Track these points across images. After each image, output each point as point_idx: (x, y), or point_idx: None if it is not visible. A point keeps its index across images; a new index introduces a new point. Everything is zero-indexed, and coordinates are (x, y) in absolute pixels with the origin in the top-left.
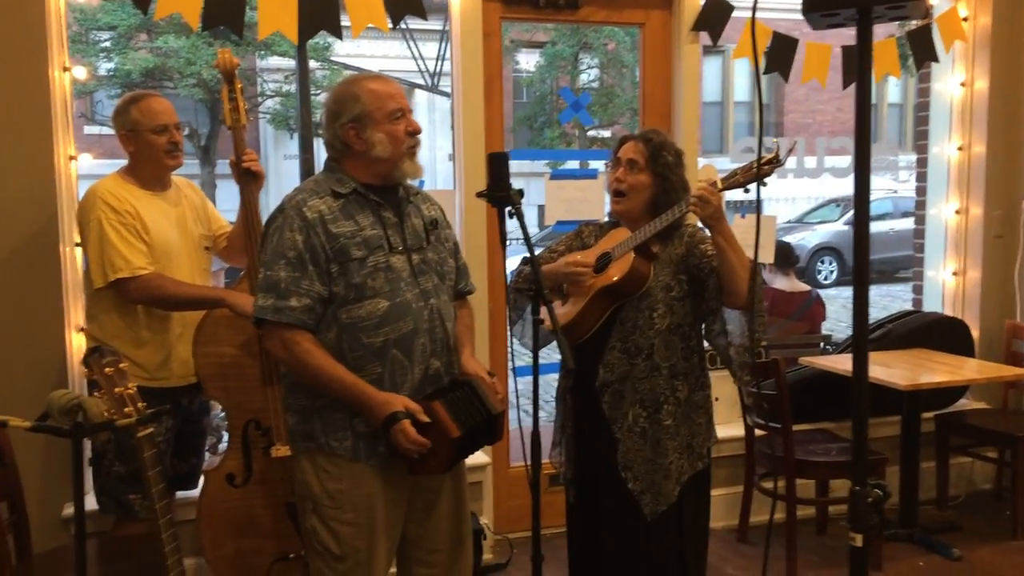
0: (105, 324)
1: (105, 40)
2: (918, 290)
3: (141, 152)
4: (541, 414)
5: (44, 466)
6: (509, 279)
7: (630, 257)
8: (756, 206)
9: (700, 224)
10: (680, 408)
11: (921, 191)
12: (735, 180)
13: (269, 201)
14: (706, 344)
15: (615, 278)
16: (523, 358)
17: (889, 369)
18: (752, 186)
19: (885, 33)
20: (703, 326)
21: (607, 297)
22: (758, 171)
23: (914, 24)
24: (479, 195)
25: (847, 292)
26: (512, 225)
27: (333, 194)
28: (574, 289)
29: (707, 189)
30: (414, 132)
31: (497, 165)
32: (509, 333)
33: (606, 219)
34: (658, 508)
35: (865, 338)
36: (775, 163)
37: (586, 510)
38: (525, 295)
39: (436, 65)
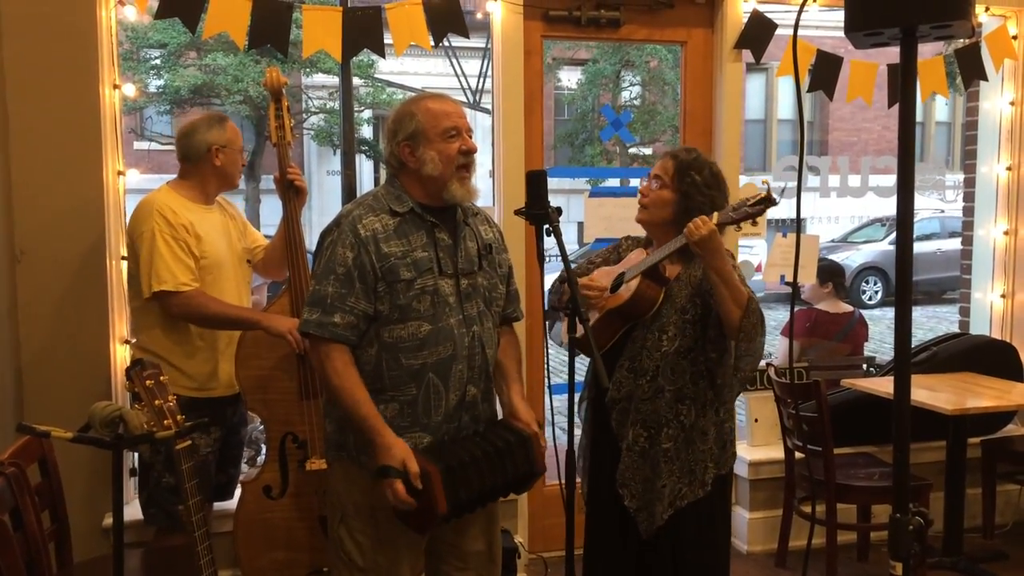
0: (156, 336)
1: (155, 58)
2: (965, 312)
3: (224, 168)
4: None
5: (89, 475)
6: (546, 295)
7: (637, 281)
8: (796, 227)
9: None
10: (683, 432)
11: (969, 211)
12: (728, 217)
13: (312, 216)
14: None
15: (621, 301)
16: (558, 376)
17: (934, 393)
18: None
19: (932, 51)
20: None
21: (617, 318)
22: (750, 210)
23: (962, 42)
24: (517, 213)
25: (892, 313)
26: (550, 243)
27: (390, 212)
28: (592, 307)
29: (698, 221)
30: (468, 151)
31: (535, 183)
32: (544, 350)
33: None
34: (651, 528)
35: (908, 360)
36: (767, 202)
37: (591, 523)
38: (556, 312)
39: (478, 82)
